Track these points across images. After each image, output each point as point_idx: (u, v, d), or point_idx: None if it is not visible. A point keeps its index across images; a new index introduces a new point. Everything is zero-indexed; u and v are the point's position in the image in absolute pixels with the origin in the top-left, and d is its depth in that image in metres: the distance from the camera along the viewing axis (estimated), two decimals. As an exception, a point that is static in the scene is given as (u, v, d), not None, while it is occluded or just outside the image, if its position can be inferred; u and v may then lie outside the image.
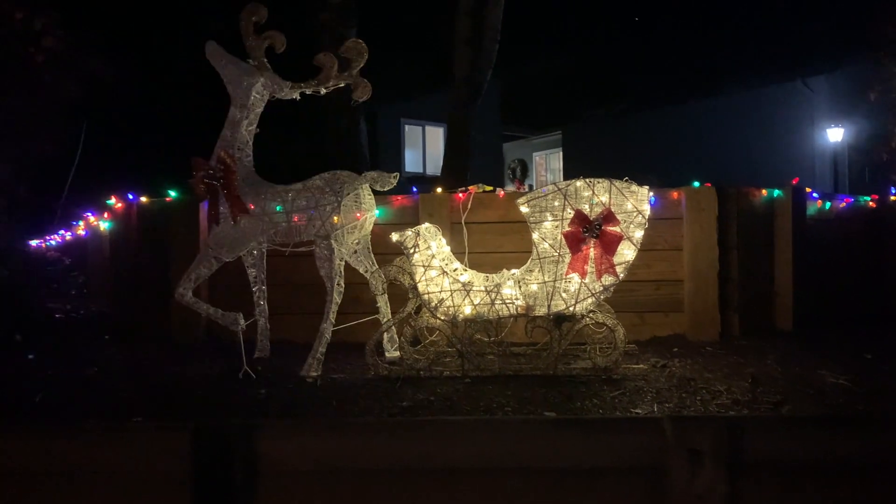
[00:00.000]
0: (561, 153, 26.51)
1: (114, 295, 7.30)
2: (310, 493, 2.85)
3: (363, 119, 9.48)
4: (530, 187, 13.53)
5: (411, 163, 21.31)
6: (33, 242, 10.62)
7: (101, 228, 8.38)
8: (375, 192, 5.12)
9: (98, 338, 6.46)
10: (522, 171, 10.55)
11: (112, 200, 7.18)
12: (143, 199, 6.60)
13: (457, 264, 4.83)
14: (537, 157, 28.22)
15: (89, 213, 9.31)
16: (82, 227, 10.01)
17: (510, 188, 9.26)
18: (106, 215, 7.77)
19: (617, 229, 4.52)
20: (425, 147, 21.69)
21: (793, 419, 3.53)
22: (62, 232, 11.05)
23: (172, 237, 6.18)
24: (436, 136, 21.21)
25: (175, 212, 6.24)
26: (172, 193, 6.35)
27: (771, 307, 6.42)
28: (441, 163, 9.87)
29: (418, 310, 4.87)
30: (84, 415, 3.98)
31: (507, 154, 25.10)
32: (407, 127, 21.46)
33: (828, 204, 7.21)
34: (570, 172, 23.78)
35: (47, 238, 10.95)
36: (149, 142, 14.81)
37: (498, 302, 4.66)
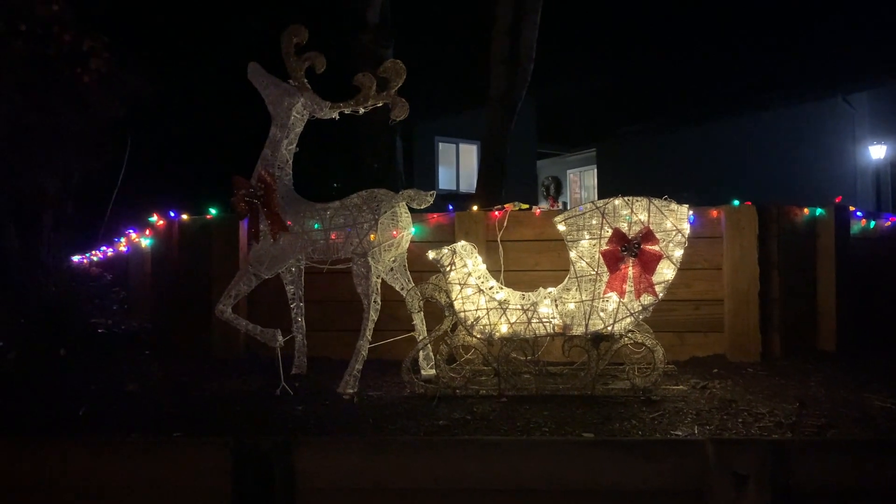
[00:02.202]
0: (595, 170, 26.42)
1: (154, 311, 7.42)
2: (348, 510, 2.86)
3: (399, 137, 9.56)
4: (564, 205, 13.48)
5: (445, 180, 21.41)
6: (75, 258, 10.83)
7: (143, 245, 8.54)
8: (412, 210, 5.15)
9: (139, 353, 6.57)
10: (556, 188, 10.50)
11: (154, 218, 7.32)
12: (185, 216, 6.71)
13: (493, 282, 4.83)
14: (571, 175, 28.14)
15: (131, 230, 9.50)
16: (124, 243, 10.21)
17: (543, 205, 9.22)
18: (147, 232, 7.92)
19: (656, 248, 4.47)
20: (459, 164, 21.79)
21: (840, 443, 3.44)
22: (104, 248, 11.27)
23: (213, 254, 6.28)
24: (469, 154, 21.32)
25: (216, 229, 6.35)
26: (213, 211, 6.46)
27: (814, 328, 6.28)
28: (474, 180, 9.88)
29: (454, 328, 4.86)
30: (126, 430, 4.04)
31: (541, 171, 25.09)
32: (441, 144, 21.59)
33: (872, 223, 7.06)
34: (605, 190, 23.68)
35: (90, 254, 11.17)
36: (190, 160, 15.11)
37: (535, 321, 4.63)
